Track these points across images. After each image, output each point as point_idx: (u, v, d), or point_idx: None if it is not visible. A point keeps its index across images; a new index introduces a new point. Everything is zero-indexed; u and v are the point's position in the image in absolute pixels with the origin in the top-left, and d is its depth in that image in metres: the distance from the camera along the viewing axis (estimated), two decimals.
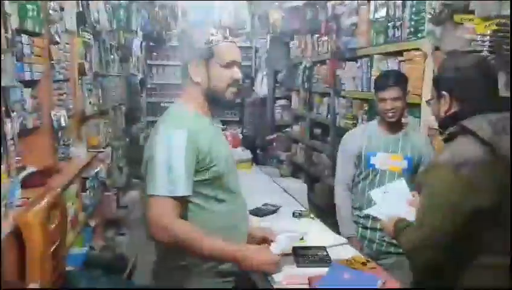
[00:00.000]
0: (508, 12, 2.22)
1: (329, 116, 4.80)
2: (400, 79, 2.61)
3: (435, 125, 2.84)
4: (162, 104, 7.96)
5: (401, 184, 1.95)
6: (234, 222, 1.68)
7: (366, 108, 3.85)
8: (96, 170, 3.31)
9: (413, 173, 2.52)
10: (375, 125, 2.65)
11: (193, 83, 1.66)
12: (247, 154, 3.46)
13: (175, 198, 1.50)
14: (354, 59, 4.08)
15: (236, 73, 1.66)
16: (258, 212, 2.34)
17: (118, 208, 4.31)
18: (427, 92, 2.93)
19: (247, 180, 2.42)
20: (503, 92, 2.32)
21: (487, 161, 1.43)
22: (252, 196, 2.49)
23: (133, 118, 6.08)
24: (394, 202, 1.86)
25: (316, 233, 2.01)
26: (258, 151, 5.87)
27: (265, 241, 1.75)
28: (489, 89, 1.60)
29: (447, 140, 1.63)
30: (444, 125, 1.66)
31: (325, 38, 4.76)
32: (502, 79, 2.35)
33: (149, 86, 7.82)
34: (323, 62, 4.93)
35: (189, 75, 1.66)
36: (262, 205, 2.45)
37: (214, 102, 1.68)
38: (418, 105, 3.04)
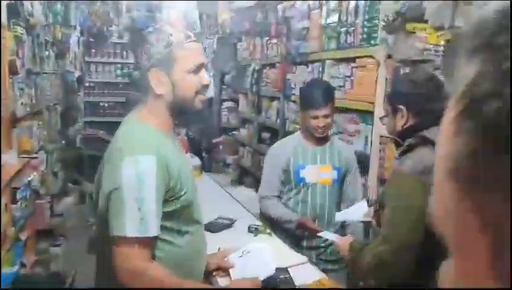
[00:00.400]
0: (462, 23, 2.23)
1: (278, 120, 4.73)
2: (332, 96, 2.53)
3: (387, 133, 2.86)
4: (101, 104, 7.57)
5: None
6: (195, 256, 1.49)
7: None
8: (29, 179, 3.00)
9: (341, 184, 2.49)
10: (299, 136, 2.53)
11: (155, 96, 1.42)
12: (196, 161, 3.28)
13: (146, 238, 1.28)
14: (305, 63, 4.03)
15: (205, 77, 1.46)
16: (212, 228, 2.18)
17: (52, 216, 3.97)
18: (380, 99, 2.93)
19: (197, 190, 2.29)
20: None
21: None
22: (203, 208, 2.36)
23: (69, 118, 5.70)
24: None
25: (274, 251, 1.89)
26: (203, 155, 5.69)
27: (220, 268, 1.60)
28: (443, 101, 1.65)
29: (406, 151, 1.68)
30: (402, 138, 1.73)
31: (275, 41, 4.69)
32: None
33: (87, 84, 7.40)
34: (273, 65, 4.85)
35: (149, 87, 1.41)
36: (216, 219, 2.29)
37: (181, 115, 1.46)
38: (371, 112, 3.04)
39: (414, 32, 2.68)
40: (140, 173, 1.26)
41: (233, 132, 6.62)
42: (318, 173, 2.44)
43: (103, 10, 3.96)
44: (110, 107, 7.57)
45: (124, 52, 7.35)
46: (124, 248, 1.26)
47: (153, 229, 1.28)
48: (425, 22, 2.57)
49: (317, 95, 2.41)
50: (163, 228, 1.34)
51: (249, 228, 2.18)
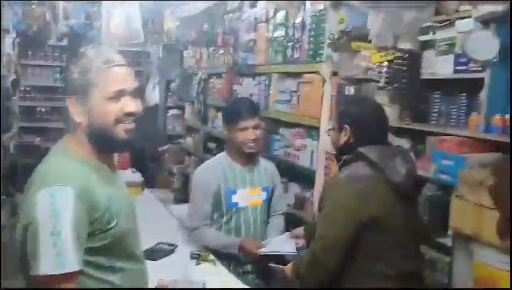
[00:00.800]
0: (403, 45, 2.30)
1: None
2: (258, 109, 2.51)
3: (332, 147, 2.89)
4: (38, 109, 7.18)
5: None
6: None
7: (263, 126, 3.79)
8: None
9: (269, 202, 2.44)
10: (226, 158, 2.39)
11: (75, 124, 1.33)
12: (137, 177, 3.13)
13: (66, 274, 1.18)
14: (252, 76, 4.02)
15: (129, 105, 1.31)
16: (151, 255, 2.02)
17: None
18: (325, 115, 2.96)
19: (138, 209, 2.13)
20: (397, 122, 2.41)
21: (376, 178, 1.78)
22: (142, 231, 2.21)
23: (3, 125, 5.33)
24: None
25: (218, 283, 1.81)
26: (148, 165, 5.52)
27: None
28: (381, 125, 1.95)
29: (343, 165, 1.91)
30: (341, 153, 1.94)
31: (222, 51, 4.64)
32: (395, 112, 2.43)
33: (23, 88, 6.97)
34: (219, 75, 4.80)
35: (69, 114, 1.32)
36: (156, 245, 2.16)
37: (102, 144, 1.34)
38: (316, 128, 3.06)
39: (359, 51, 2.74)
40: (56, 205, 1.18)
41: (179, 140, 6.49)
42: (249, 196, 2.34)
43: (39, 12, 3.73)
44: (47, 112, 7.19)
45: (64, 56, 7.02)
46: (44, 284, 1.18)
47: (72, 264, 1.18)
48: (369, 41, 2.63)
49: (244, 106, 2.36)
50: (91, 264, 1.25)
51: (191, 254, 2.09)
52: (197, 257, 2.03)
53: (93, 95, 1.29)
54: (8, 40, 5.62)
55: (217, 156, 2.48)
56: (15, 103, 6.71)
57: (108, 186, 1.31)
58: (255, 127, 2.31)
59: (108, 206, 1.27)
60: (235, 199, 2.30)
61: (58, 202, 1.18)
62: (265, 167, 2.46)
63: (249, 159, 2.37)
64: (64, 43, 6.08)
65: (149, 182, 3.81)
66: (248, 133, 2.27)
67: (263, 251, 2.18)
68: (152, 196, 3.23)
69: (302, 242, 2.27)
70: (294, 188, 3.50)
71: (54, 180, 1.22)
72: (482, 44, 1.82)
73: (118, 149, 1.44)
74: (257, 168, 2.39)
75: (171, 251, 2.12)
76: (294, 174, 3.49)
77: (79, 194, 1.21)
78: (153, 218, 2.66)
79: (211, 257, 2.04)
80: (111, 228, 1.27)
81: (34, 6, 3.54)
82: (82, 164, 1.30)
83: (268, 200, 2.46)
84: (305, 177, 3.38)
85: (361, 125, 1.89)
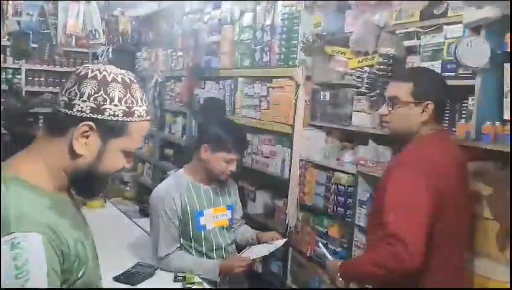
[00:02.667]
0: (385, 50, 2.24)
1: (184, 136, 4.48)
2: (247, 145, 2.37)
3: (309, 156, 2.80)
4: None
5: None
6: None
7: None
8: None
9: (233, 222, 2.29)
10: (186, 176, 2.15)
11: (66, 150, 1.04)
12: None
13: None
14: (215, 79, 3.86)
15: (129, 161, 1.12)
16: (131, 279, 1.81)
17: None
18: (299, 120, 2.86)
19: (103, 225, 1.88)
20: (378, 130, 2.36)
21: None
22: (112, 250, 1.95)
23: None
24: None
25: None
26: None
27: None
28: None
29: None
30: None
31: (181, 53, 4.44)
32: (376, 119, 2.38)
33: None
34: (178, 79, 4.59)
35: (67, 137, 1.04)
36: (134, 267, 1.92)
37: (85, 181, 1.08)
38: (288, 135, 2.96)
39: (333, 56, 2.67)
40: (21, 260, 0.90)
41: None
42: (214, 216, 2.15)
43: None
44: None
45: (2, 56, 6.48)
46: None
47: None
48: (345, 45, 2.56)
49: (239, 141, 2.15)
50: None
51: (175, 277, 1.88)
52: (181, 280, 1.83)
53: (116, 141, 1.04)
54: None
55: (175, 174, 2.23)
56: None
57: (74, 227, 1.05)
58: (238, 160, 2.17)
59: (77, 252, 1.01)
60: (203, 221, 2.10)
61: (24, 255, 0.90)
62: (227, 183, 2.27)
63: (214, 179, 2.18)
64: (3, 42, 5.63)
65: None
66: (231, 165, 2.10)
67: (251, 255, 2.05)
68: (115, 209, 2.97)
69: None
70: (263, 197, 3.38)
71: (15, 225, 0.92)
72: (474, 50, 1.78)
73: (98, 187, 1.12)
74: (220, 186, 2.21)
75: (151, 274, 1.90)
76: (263, 182, 3.37)
77: (49, 241, 0.94)
78: (123, 232, 2.43)
79: (197, 278, 1.86)
80: (79, 277, 1.02)
81: None
82: (46, 198, 1.00)
83: (232, 220, 2.29)
84: (274, 186, 3.27)
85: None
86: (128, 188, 5.99)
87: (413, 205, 1.54)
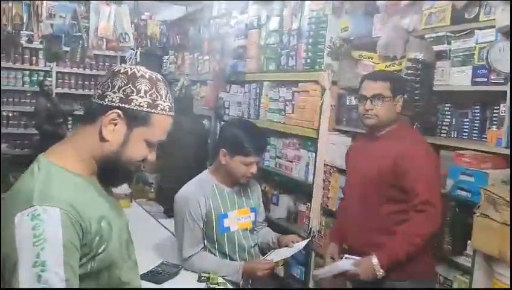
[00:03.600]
0: (414, 55, 2.21)
1: (209, 140, 4.51)
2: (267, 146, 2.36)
3: (333, 161, 2.78)
4: (4, 113, 6.77)
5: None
6: None
7: None
8: None
9: (256, 225, 2.26)
10: (211, 178, 2.15)
11: (96, 135, 1.13)
12: (126, 188, 2.90)
13: None
14: (241, 83, 3.88)
15: (152, 155, 1.19)
16: (156, 278, 1.84)
17: None
18: (325, 125, 2.85)
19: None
20: None
21: None
22: (138, 249, 1.98)
23: None
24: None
25: None
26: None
27: None
28: None
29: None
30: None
31: (207, 57, 4.48)
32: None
33: None
34: (204, 82, 4.63)
35: (96, 123, 1.14)
36: (158, 266, 1.95)
37: (108, 170, 1.17)
38: (313, 139, 2.95)
39: (360, 60, 2.65)
40: (39, 229, 0.98)
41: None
42: (238, 218, 2.14)
43: (16, 11, 3.47)
44: (14, 117, 6.80)
45: (34, 58, 6.66)
46: None
47: None
48: (372, 50, 2.54)
49: (259, 143, 2.13)
50: None
51: (199, 277, 1.90)
52: (205, 280, 1.84)
53: (140, 131, 1.13)
54: None
55: (200, 176, 2.21)
56: None
57: (100, 206, 1.14)
58: (258, 162, 2.14)
59: (99, 229, 1.09)
60: (227, 223, 2.10)
61: (42, 226, 0.98)
62: (251, 186, 2.27)
63: (237, 181, 2.17)
64: (35, 45, 5.79)
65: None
66: (252, 167, 2.07)
67: (275, 258, 2.04)
68: (141, 209, 3.00)
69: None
70: (286, 201, 3.37)
71: (37, 200, 1.01)
72: (506, 55, 1.75)
73: (122, 175, 1.20)
74: (243, 189, 2.20)
75: (177, 273, 1.92)
76: (287, 186, 3.36)
77: (68, 215, 1.02)
78: (148, 232, 2.45)
79: (221, 279, 1.87)
80: (98, 254, 1.08)
81: (10, 4, 3.27)
82: (73, 179, 1.11)
83: (256, 223, 2.27)
84: (298, 190, 3.26)
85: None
86: (152, 190, 6.08)
87: (438, 176, 1.91)
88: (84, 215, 1.05)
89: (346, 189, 2.32)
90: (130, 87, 1.11)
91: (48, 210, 1.00)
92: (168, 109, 1.15)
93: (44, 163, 1.10)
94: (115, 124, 1.11)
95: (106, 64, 7.07)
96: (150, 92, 1.12)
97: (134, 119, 1.11)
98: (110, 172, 1.17)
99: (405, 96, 2.05)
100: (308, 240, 2.25)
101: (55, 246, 0.99)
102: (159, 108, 1.12)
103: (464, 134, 2.13)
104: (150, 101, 1.11)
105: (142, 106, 1.11)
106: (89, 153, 1.13)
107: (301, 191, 3.17)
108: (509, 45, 1.75)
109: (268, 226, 2.42)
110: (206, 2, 4.38)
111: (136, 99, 1.11)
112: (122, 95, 1.11)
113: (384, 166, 1.94)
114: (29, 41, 5.67)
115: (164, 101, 1.14)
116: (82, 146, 1.13)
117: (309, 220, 2.93)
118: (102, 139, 1.12)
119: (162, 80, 1.16)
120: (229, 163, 2.06)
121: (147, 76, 1.13)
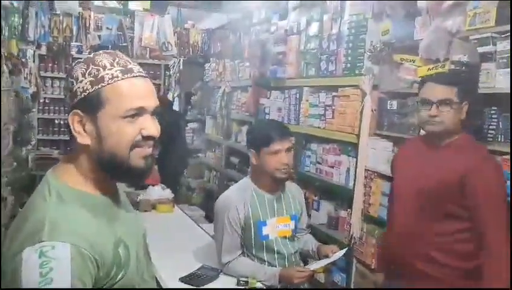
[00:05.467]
0: (458, 57, 2.15)
1: None
2: (289, 130, 2.27)
3: (374, 166, 2.74)
4: (56, 121, 7.14)
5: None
6: None
7: (293, 141, 3.65)
8: None
9: (297, 231, 2.23)
10: (251, 184, 2.14)
11: (79, 146, 1.04)
12: (168, 193, 2.98)
13: None
14: (280, 89, 3.89)
15: (148, 126, 1.03)
16: (197, 281, 1.89)
17: None
18: (365, 130, 2.81)
19: (170, 228, 1.98)
20: None
21: None
22: (179, 253, 2.05)
23: (22, 138, 5.27)
24: None
25: None
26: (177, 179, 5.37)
27: None
28: None
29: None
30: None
31: (248, 64, 4.53)
32: None
33: (42, 100, 6.94)
34: (244, 89, 4.68)
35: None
36: (198, 270, 1.99)
37: (112, 174, 1.06)
38: (354, 144, 2.91)
39: (402, 64, 2.60)
40: (46, 268, 0.90)
41: (198, 154, 6.38)
42: (277, 226, 2.12)
43: (66, 24, 3.67)
44: (66, 124, 7.09)
45: None
46: None
47: None
48: (414, 53, 2.49)
49: (275, 126, 2.13)
50: None
51: (238, 281, 1.93)
52: (244, 284, 1.87)
53: (105, 111, 1.00)
54: (30, 52, 5.60)
55: (240, 182, 2.24)
56: (34, 116, 6.69)
57: (116, 228, 1.05)
58: (288, 150, 2.09)
59: (116, 255, 1.01)
60: (265, 230, 2.09)
61: (49, 264, 0.90)
62: (293, 192, 2.25)
63: (277, 185, 2.16)
64: (85, 55, 6.06)
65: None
66: (281, 156, 2.03)
67: (313, 267, 2.03)
68: (183, 214, 3.08)
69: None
70: (327, 207, 3.34)
71: (48, 234, 0.93)
72: None
73: (130, 180, 1.13)
74: (285, 195, 2.19)
75: (216, 276, 1.96)
76: (327, 191, 3.33)
77: (80, 252, 0.94)
78: (188, 236, 2.51)
79: (259, 284, 1.89)
80: (117, 281, 1.02)
81: (61, 17, 3.46)
82: (85, 201, 1.02)
83: (296, 231, 2.26)
84: (338, 196, 3.23)
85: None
86: (194, 195, 6.20)
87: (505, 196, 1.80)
88: (99, 244, 0.98)
89: (395, 199, 2.11)
90: (70, 80, 1.03)
91: (58, 247, 0.92)
92: (120, 74, 1.01)
93: (55, 185, 1.02)
94: (83, 125, 1.01)
95: (151, 72, 7.30)
96: (88, 71, 1.01)
97: (89, 105, 1.00)
98: (116, 174, 1.06)
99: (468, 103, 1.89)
100: (345, 249, 2.18)
101: (61, 286, 0.92)
102: (106, 79, 1.00)
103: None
104: (92, 79, 1.00)
105: (87, 90, 1.00)
106: (89, 165, 1.05)
107: (342, 197, 3.14)
108: None
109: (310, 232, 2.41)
110: (246, 10, 4.44)
111: (79, 87, 1.01)
112: (69, 93, 1.03)
113: (447, 180, 1.81)
114: (79, 52, 5.96)
115: (111, 69, 1.01)
116: (82, 161, 1.05)
117: (350, 226, 2.90)
118: (84, 146, 1.03)
119: (103, 53, 1.05)
120: (258, 161, 2.07)
121: (82, 60, 1.04)
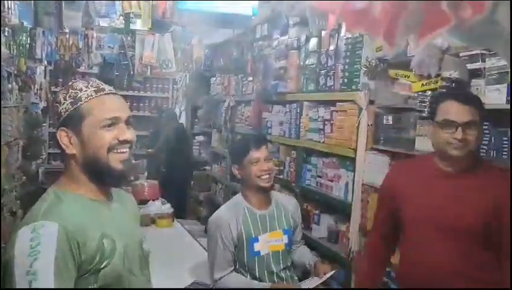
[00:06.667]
0: (448, 74, 2.18)
1: None
2: (266, 139, 2.43)
3: (371, 181, 2.75)
4: None
5: None
6: None
7: (294, 155, 3.69)
8: None
9: (291, 247, 2.25)
10: (243, 202, 2.18)
11: (69, 157, 1.27)
12: (168, 208, 3.02)
13: None
14: (282, 103, 3.94)
15: (123, 132, 1.26)
16: None
17: None
18: (362, 145, 2.84)
19: (167, 244, 2.03)
20: None
21: None
22: (174, 268, 2.09)
23: (32, 152, 5.38)
24: None
25: None
26: (177, 192, 5.44)
27: None
28: None
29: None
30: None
31: (251, 78, 4.59)
32: None
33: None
34: (248, 103, 4.74)
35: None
36: (191, 285, 2.04)
37: (96, 176, 1.27)
38: (352, 159, 2.94)
39: (397, 79, 2.63)
40: (36, 242, 1.10)
41: (205, 167, 6.43)
42: (269, 241, 2.16)
43: (72, 41, 3.78)
44: (56, 141, 7.23)
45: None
46: None
47: None
48: (408, 68, 2.51)
49: (252, 137, 2.28)
50: None
51: None
52: None
53: (85, 124, 1.24)
54: (40, 68, 5.74)
55: (232, 199, 2.28)
56: (45, 130, 6.81)
57: (104, 226, 1.23)
58: (266, 159, 2.17)
59: (100, 246, 1.19)
60: (257, 247, 2.13)
61: (39, 239, 1.10)
62: (285, 206, 2.28)
63: (266, 198, 2.21)
64: (94, 70, 6.20)
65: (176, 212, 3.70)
66: (261, 164, 2.12)
67: (304, 285, 2.05)
68: (182, 228, 3.12)
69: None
70: (327, 220, 3.36)
71: (41, 216, 1.15)
72: None
73: (112, 181, 1.30)
74: (276, 207, 2.22)
75: None
76: (327, 205, 3.35)
77: (66, 232, 1.13)
78: (185, 252, 2.55)
79: None
80: (101, 268, 1.18)
81: (67, 36, 3.58)
82: (74, 200, 1.23)
83: (290, 243, 2.28)
84: (338, 209, 3.24)
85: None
86: (202, 208, 6.24)
87: None
88: (84, 231, 1.17)
89: (414, 230, 1.87)
90: (55, 104, 1.27)
91: (47, 225, 1.13)
92: (94, 93, 1.25)
93: (55, 189, 1.25)
94: (69, 138, 1.24)
95: (159, 86, 7.41)
96: (68, 95, 1.25)
97: (72, 122, 1.24)
98: (99, 174, 1.26)
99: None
100: (334, 272, 2.16)
101: (47, 258, 1.09)
102: (83, 98, 1.24)
103: (504, 153, 2.05)
104: (71, 100, 1.24)
105: (68, 109, 1.24)
106: (77, 171, 1.26)
107: (341, 210, 3.16)
108: None
109: (309, 246, 2.43)
110: (249, 25, 4.51)
111: (62, 108, 1.24)
112: (56, 115, 1.27)
113: (484, 211, 1.68)
114: (90, 67, 6.08)
115: (86, 90, 1.25)
116: (72, 168, 1.26)
117: (348, 240, 2.91)
118: (72, 155, 1.24)
119: (79, 80, 1.33)
120: (242, 173, 2.14)
121: (63, 87, 1.31)
